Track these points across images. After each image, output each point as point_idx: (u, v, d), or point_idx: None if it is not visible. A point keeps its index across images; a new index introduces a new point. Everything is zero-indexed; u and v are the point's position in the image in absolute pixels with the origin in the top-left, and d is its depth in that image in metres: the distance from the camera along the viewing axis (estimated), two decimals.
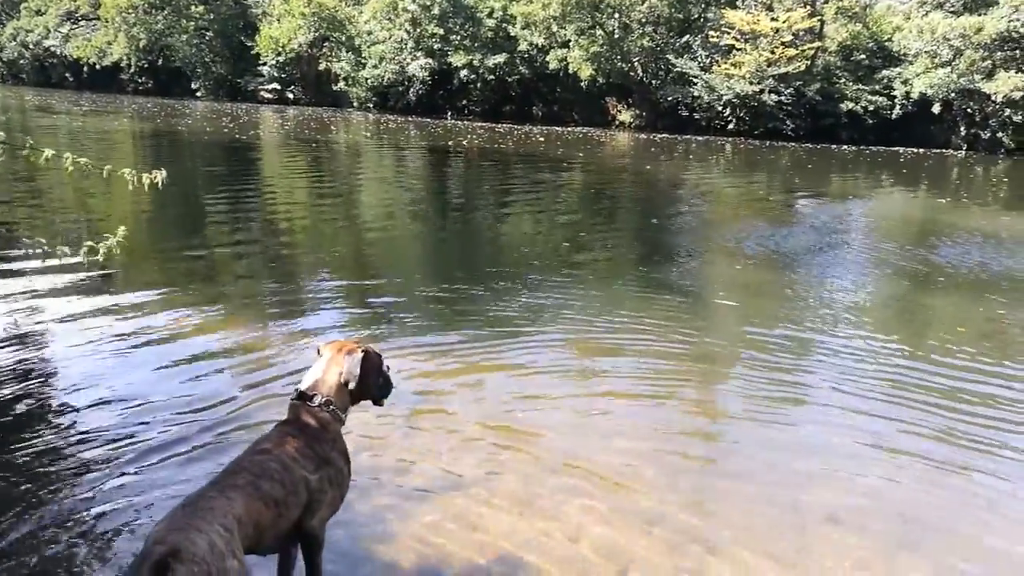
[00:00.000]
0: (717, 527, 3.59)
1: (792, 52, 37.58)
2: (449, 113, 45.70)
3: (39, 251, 7.34)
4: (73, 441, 4.00)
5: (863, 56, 40.01)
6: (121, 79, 59.69)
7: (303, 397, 2.79)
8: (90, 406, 4.41)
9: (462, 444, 4.26)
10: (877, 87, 38.54)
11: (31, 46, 64.22)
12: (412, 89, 46.10)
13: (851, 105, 38.23)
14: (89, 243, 3.51)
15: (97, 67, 59.76)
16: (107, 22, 55.81)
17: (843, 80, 39.16)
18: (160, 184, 3.44)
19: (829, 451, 4.45)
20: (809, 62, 38.87)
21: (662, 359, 5.77)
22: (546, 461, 4.12)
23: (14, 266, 7.42)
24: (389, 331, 6.06)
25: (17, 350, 5.19)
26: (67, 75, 64.78)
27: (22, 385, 4.64)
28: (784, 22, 37.75)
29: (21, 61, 66.09)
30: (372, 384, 2.92)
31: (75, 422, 4.21)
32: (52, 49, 63.06)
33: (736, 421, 4.83)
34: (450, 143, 28.14)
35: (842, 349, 6.31)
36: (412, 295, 7.28)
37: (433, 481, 3.85)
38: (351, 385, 2.81)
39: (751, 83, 37.92)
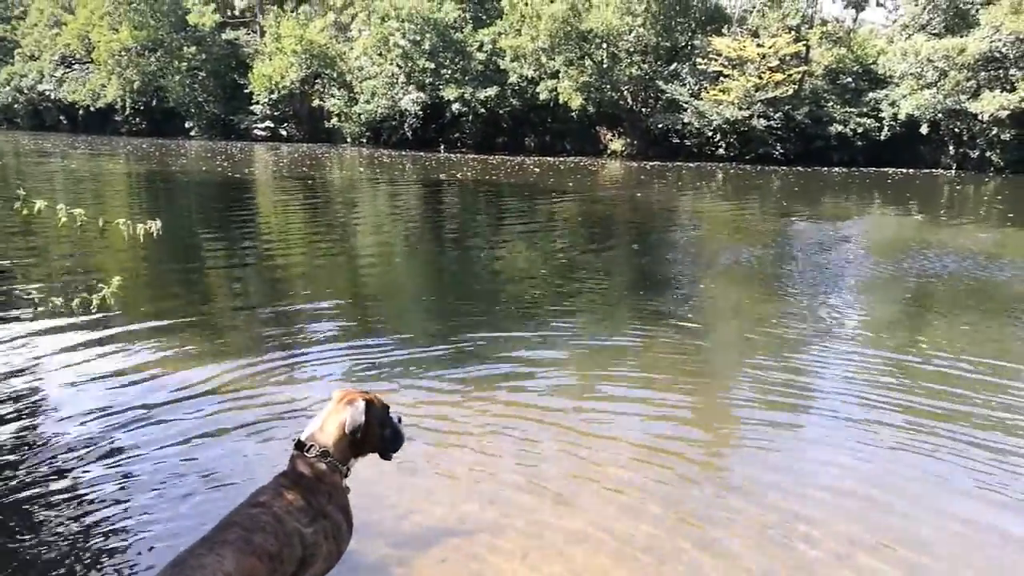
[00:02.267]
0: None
1: (779, 77, 38.06)
2: (442, 146, 46.03)
3: (33, 302, 7.29)
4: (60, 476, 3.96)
5: (849, 79, 40.53)
6: (115, 121, 60.07)
7: (300, 447, 2.74)
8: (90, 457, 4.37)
9: (462, 486, 4.21)
10: (865, 109, 39.00)
11: (25, 91, 64.74)
12: (405, 123, 46.46)
13: (840, 128, 38.63)
14: (83, 294, 3.50)
15: (91, 109, 60.21)
16: (101, 65, 56.32)
17: (831, 103, 39.62)
18: (156, 234, 3.45)
19: (836, 478, 4.41)
20: (796, 86, 39.37)
21: (665, 393, 5.75)
22: (549, 503, 4.07)
23: (8, 315, 7.38)
24: (387, 371, 6.02)
25: (9, 400, 5.16)
26: (61, 118, 65.23)
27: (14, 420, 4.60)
28: (770, 47, 38.28)
29: (15, 106, 66.58)
30: (375, 436, 2.85)
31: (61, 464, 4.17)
32: (46, 93, 63.57)
33: (739, 449, 4.80)
34: (443, 176, 28.29)
35: (839, 364, 6.30)
36: (409, 333, 7.26)
37: (435, 526, 3.80)
38: (358, 435, 2.74)
39: (740, 108, 38.34)
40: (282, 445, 4.62)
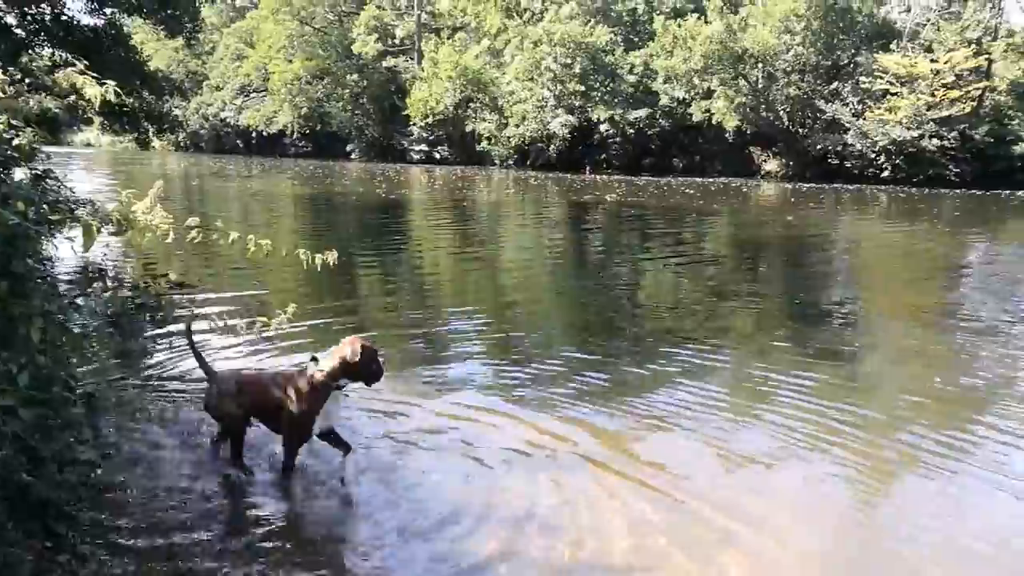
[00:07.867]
0: None
1: (955, 94, 35.33)
2: (587, 167, 46.16)
3: (218, 324, 7.80)
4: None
5: None
6: (284, 143, 64.95)
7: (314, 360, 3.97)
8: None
9: (623, 518, 4.10)
10: None
11: (210, 118, 71.38)
12: (551, 145, 47.06)
13: None
14: (262, 319, 3.76)
15: (264, 134, 65.44)
16: (275, 94, 61.05)
17: (1017, 120, 36.27)
18: (332, 264, 3.64)
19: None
20: (976, 103, 36.35)
21: (825, 433, 5.38)
22: (713, 540, 3.90)
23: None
24: (529, 395, 6.02)
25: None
26: (238, 142, 71.37)
27: None
28: (945, 63, 35.63)
29: (201, 131, 73.50)
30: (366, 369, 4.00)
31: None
32: (227, 120, 69.79)
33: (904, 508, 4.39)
34: (589, 197, 28.32)
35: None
36: (553, 354, 7.22)
37: (584, 560, 3.72)
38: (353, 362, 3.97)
39: (908, 128, 35.88)
40: (424, 453, 4.72)
